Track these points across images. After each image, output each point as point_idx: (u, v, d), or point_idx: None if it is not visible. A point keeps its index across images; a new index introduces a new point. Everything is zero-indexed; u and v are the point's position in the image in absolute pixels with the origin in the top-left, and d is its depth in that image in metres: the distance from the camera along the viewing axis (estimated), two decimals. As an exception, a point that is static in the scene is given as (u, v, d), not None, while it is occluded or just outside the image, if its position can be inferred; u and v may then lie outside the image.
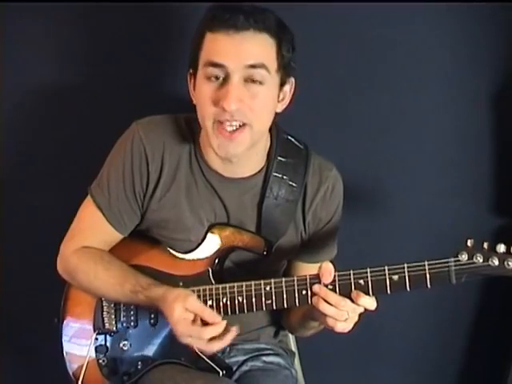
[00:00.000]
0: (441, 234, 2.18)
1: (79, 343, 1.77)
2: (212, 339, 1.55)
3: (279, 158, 1.72)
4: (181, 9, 2.08)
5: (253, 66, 1.55)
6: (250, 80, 1.56)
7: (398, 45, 2.12)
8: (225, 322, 1.56)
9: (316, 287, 1.54)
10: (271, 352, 1.85)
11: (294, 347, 1.98)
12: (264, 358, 1.82)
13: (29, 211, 2.20)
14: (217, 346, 1.57)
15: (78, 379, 1.71)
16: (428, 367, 2.37)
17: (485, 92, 2.17)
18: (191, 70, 1.65)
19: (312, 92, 2.06)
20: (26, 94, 2.14)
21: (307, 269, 1.75)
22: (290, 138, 1.78)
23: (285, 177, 1.73)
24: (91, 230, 1.75)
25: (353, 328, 1.56)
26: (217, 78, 1.56)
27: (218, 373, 1.66)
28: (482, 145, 2.21)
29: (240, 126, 1.58)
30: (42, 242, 2.00)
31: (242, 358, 1.81)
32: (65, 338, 1.78)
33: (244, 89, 1.56)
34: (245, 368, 1.79)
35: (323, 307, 1.52)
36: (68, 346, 1.78)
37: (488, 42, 2.12)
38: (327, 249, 1.81)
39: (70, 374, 1.77)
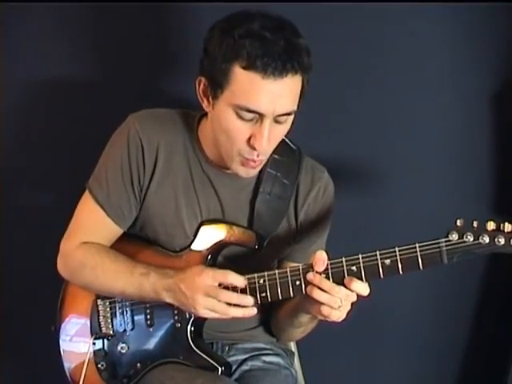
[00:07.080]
0: (441, 235, 2.16)
1: (77, 347, 1.77)
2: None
3: (274, 155, 1.74)
4: (182, 8, 2.11)
5: (284, 114, 1.59)
6: (277, 121, 1.59)
7: (399, 44, 2.14)
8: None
9: (310, 275, 1.54)
10: (271, 352, 1.84)
11: (293, 347, 1.97)
12: (264, 358, 1.81)
13: (29, 211, 2.22)
14: (234, 312, 1.58)
15: (78, 384, 1.72)
16: (428, 368, 2.36)
17: (485, 92, 2.17)
18: (204, 81, 1.61)
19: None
20: (26, 94, 2.17)
21: None
22: (284, 138, 1.79)
23: (278, 174, 1.75)
24: (91, 225, 1.75)
25: (346, 321, 1.55)
26: (249, 117, 1.57)
27: (217, 369, 1.66)
28: (482, 145, 2.21)
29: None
30: (42, 242, 1.99)
31: (241, 357, 1.80)
32: (62, 343, 1.79)
33: (273, 129, 1.59)
34: (245, 367, 1.78)
35: (317, 294, 1.52)
36: (66, 350, 1.79)
37: (488, 43, 2.13)
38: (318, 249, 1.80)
39: (69, 378, 1.78)
